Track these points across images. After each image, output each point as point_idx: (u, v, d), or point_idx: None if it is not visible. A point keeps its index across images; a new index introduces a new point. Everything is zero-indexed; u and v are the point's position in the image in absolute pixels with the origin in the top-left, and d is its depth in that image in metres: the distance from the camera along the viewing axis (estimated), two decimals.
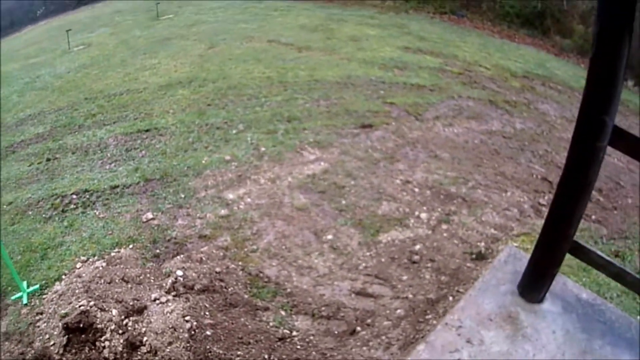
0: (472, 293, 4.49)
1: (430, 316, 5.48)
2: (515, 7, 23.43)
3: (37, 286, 6.40)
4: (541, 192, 8.48)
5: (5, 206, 8.52)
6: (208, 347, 5.17)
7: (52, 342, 5.45)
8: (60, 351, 5.34)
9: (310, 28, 18.89)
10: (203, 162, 8.80)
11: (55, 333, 5.53)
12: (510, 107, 12.05)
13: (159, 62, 15.43)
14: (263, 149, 9.12)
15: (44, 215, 7.96)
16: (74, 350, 5.34)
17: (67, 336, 5.40)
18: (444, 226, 7.21)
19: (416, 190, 8.04)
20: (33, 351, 5.47)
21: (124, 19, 25.89)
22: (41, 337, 5.58)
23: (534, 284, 4.32)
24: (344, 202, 7.64)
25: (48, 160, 9.81)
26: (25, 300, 6.22)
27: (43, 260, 6.93)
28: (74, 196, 8.28)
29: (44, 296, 6.23)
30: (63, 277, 6.46)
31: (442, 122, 10.64)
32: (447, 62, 15.00)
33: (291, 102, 11.17)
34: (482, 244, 6.87)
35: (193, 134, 9.87)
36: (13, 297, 6.37)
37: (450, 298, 5.70)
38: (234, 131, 9.84)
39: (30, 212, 8.14)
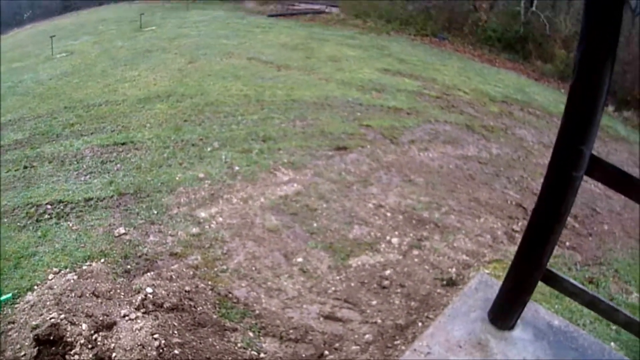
0: (441, 320, 4.53)
1: (399, 342, 5.74)
2: (497, 31, 23.88)
3: (10, 295, 6.49)
4: (515, 218, 8.78)
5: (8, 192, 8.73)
6: None
7: (22, 353, 5.56)
8: None
9: (290, 46, 19.18)
10: (177, 178, 9.00)
11: (26, 344, 5.64)
12: (487, 132, 12.35)
13: (139, 74, 15.58)
14: (237, 167, 9.35)
15: (18, 224, 8.07)
16: None
17: (37, 348, 5.53)
18: (415, 251, 7.49)
19: (388, 214, 8.32)
20: (9, 356, 5.57)
21: (107, 28, 25.93)
22: (12, 347, 5.69)
23: (505, 311, 4.34)
24: (315, 224, 7.90)
25: (25, 168, 9.91)
26: None
27: (16, 269, 7.04)
28: (49, 206, 8.41)
29: (16, 306, 6.34)
30: (35, 287, 6.59)
31: (417, 146, 10.91)
32: (426, 86, 15.32)
33: (267, 121, 11.42)
34: (453, 270, 7.15)
35: (168, 149, 10.07)
36: None
37: (420, 324, 5.98)
38: (209, 149, 10.06)
39: (5, 220, 8.23)
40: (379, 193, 8.93)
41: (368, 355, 5.65)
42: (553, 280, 4.06)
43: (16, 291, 6.59)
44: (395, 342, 5.74)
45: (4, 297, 6.47)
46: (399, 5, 27.78)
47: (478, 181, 9.90)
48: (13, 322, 6.09)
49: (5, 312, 6.29)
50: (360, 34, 23.33)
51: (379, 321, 6.16)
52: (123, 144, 10.43)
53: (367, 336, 5.95)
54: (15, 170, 9.86)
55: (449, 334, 4.34)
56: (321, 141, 10.64)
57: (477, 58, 22.24)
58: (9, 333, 5.92)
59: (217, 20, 25.94)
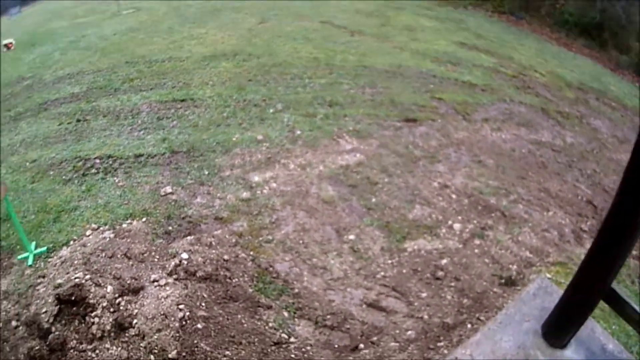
0: (491, 326, 4.04)
1: (442, 343, 5.01)
2: (574, 15, 22.31)
3: (45, 249, 6.26)
4: (584, 216, 7.77)
5: (28, 163, 8.46)
6: (196, 341, 4.86)
7: (44, 310, 5.27)
8: (50, 320, 5.16)
9: (365, 12, 18.36)
10: (234, 139, 8.48)
11: (49, 301, 5.33)
12: (562, 118, 11.29)
13: (207, 32, 15.19)
14: (298, 132, 8.73)
15: (64, 177, 7.83)
16: (63, 322, 5.15)
17: (58, 306, 5.21)
18: (477, 241, 6.63)
19: (453, 196, 7.49)
20: (28, 314, 5.32)
21: None
22: (37, 302, 5.43)
23: (561, 327, 3.84)
24: (374, 200, 7.17)
25: (78, 121, 9.71)
26: (30, 262, 6.09)
27: (55, 222, 6.78)
28: (97, 161, 8.13)
29: (49, 260, 6.08)
30: (71, 243, 6.30)
31: (490, 125, 10.00)
32: (502, 63, 14.26)
33: (335, 86, 10.72)
34: (514, 267, 6.26)
35: (229, 108, 9.57)
36: (19, 257, 6.26)
37: (469, 325, 5.21)
38: (271, 110, 9.49)
39: (51, 172, 8.03)
40: (446, 172, 8.08)
41: (406, 355, 4.94)
42: (615, 302, 3.54)
43: (52, 245, 6.32)
44: (439, 344, 5.02)
45: (38, 250, 6.25)
46: None
47: (550, 170, 8.90)
48: (43, 277, 5.82)
49: (37, 266, 6.04)
50: (437, 5, 22.10)
51: (426, 317, 5.40)
52: (182, 100, 10.03)
53: (409, 332, 5.21)
54: (68, 123, 9.67)
55: (497, 344, 3.90)
56: (390, 111, 9.87)
57: (554, 41, 20.70)
58: (37, 287, 5.67)
59: None
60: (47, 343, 4.98)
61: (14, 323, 5.32)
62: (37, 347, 4.95)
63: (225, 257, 5.86)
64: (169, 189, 7.23)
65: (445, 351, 4.80)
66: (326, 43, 13.73)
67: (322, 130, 8.82)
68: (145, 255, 5.88)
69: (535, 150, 9.42)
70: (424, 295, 5.70)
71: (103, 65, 12.68)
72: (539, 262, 6.42)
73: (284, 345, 4.97)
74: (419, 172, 7.94)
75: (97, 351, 4.91)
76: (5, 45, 22.43)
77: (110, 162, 8.03)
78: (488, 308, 5.46)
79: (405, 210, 7.02)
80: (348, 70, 11.70)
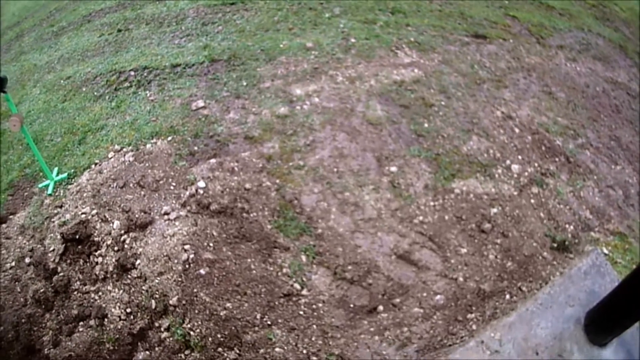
0: (530, 307, 3.64)
1: (472, 315, 4.25)
2: None
3: (65, 175, 6.01)
4: None
5: (62, 81, 8.24)
6: (196, 290, 4.41)
7: (52, 248, 5.08)
8: (57, 260, 4.97)
9: None
10: (280, 46, 7.74)
11: (58, 238, 5.12)
12: None
13: None
14: (353, 40, 7.83)
15: (95, 93, 7.52)
16: (68, 261, 4.95)
17: (64, 245, 5.01)
18: (535, 189, 5.62)
19: (516, 130, 6.44)
20: (42, 249, 5.15)
21: None
22: (50, 238, 5.22)
23: (607, 323, 3.39)
24: (426, 125, 6.24)
25: (119, 31, 9.30)
26: (50, 190, 5.87)
27: (80, 144, 6.54)
28: (132, 73, 7.71)
29: (69, 187, 5.83)
30: (92, 167, 6.01)
31: (565, 54, 8.69)
32: None
33: None
34: (571, 227, 5.28)
35: (281, 12, 8.78)
36: (40, 185, 6.07)
37: (507, 296, 4.39)
38: (327, 14, 8.61)
39: (84, 89, 7.75)
40: (512, 100, 6.98)
41: (428, 326, 4.26)
42: None
43: (73, 170, 6.06)
44: (469, 316, 4.27)
45: (59, 176, 6.02)
46: None
47: (623, 116, 7.57)
48: (60, 207, 5.60)
49: (57, 194, 5.82)
50: None
51: (461, 279, 4.61)
52: (232, 4, 9.30)
53: (437, 297, 4.47)
54: (109, 34, 9.31)
55: (532, 330, 3.52)
56: (458, 24, 8.72)
57: None
58: (53, 219, 5.44)
59: None
60: (52, 284, 4.81)
61: (27, 260, 5.18)
62: (42, 289, 4.81)
63: (247, 185, 5.28)
64: (201, 103, 6.68)
65: (474, 327, 4.08)
66: None
67: (379, 39, 7.88)
68: (161, 182, 5.43)
69: (610, 90, 8.11)
70: (463, 251, 4.88)
71: None
72: (598, 227, 5.42)
73: (293, 299, 4.40)
74: (481, 96, 6.91)
75: (100, 293, 4.67)
76: None
77: (145, 74, 7.58)
78: (533, 277, 4.60)
79: (460, 141, 6.07)
80: None
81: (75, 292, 4.73)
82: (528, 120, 6.64)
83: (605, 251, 4.95)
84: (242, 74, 7.16)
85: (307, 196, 5.21)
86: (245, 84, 6.94)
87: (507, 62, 7.82)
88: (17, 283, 5.02)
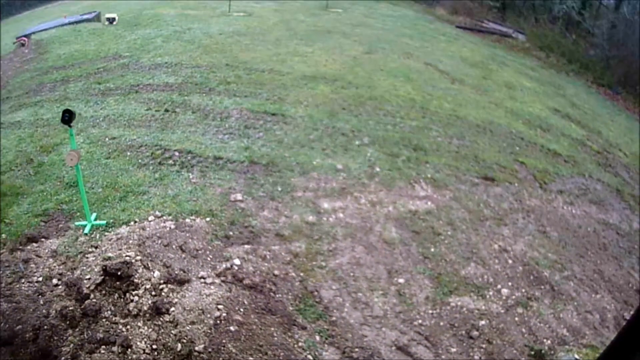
0: None
1: None
2: None
3: (104, 222, 7.03)
4: (630, 305, 7.92)
5: (107, 139, 9.43)
6: (225, 341, 5.40)
7: (88, 277, 5.99)
8: (92, 288, 5.85)
9: (470, 62, 18.99)
10: (314, 163, 9.09)
11: (95, 270, 6.06)
12: (634, 202, 11.35)
13: (313, 52, 16.13)
14: (378, 169, 9.25)
15: (140, 161, 8.70)
16: (103, 292, 5.83)
17: (103, 277, 5.91)
18: (520, 310, 6.97)
19: (510, 261, 7.82)
20: (70, 277, 6.05)
21: (293, 0, 27.29)
22: (83, 269, 6.15)
23: None
24: (433, 249, 7.59)
25: (166, 111, 10.66)
26: (87, 230, 6.88)
27: (121, 201, 7.59)
28: (177, 153, 8.95)
29: (107, 234, 6.83)
30: (131, 223, 7.04)
31: (564, 198, 10.25)
32: (590, 137, 14.37)
33: (425, 131, 11.25)
34: (548, 342, 6.58)
35: (316, 132, 10.25)
36: (77, 223, 7.07)
37: None
38: (357, 142, 10.09)
39: (128, 153, 8.93)
40: (510, 236, 8.43)
41: None
42: None
43: (112, 221, 7.10)
44: None
45: (98, 222, 7.05)
46: (581, 47, 27.61)
47: (609, 253, 9.09)
48: (95, 247, 6.58)
49: (93, 235, 6.82)
50: (540, 67, 22.51)
51: None
52: (273, 114, 10.81)
53: None
54: (156, 111, 10.64)
55: None
56: (471, 166, 10.28)
57: None
58: (87, 255, 6.42)
59: (404, 19, 26.41)
60: (82, 307, 5.64)
61: (54, 281, 6.05)
62: (71, 308, 5.60)
63: (276, 272, 6.42)
64: (239, 197, 7.90)
65: None
66: (425, 86, 14.36)
67: (401, 172, 9.32)
68: (199, 252, 6.55)
69: (600, 230, 9.67)
70: (453, 350, 6.08)
71: (203, 62, 13.75)
72: (573, 342, 6.69)
73: None
74: (483, 231, 8.30)
75: (129, 327, 5.52)
76: (108, 19, 24.41)
77: (189, 158, 8.83)
78: None
79: (460, 266, 7.42)
80: (441, 117, 12.25)
81: (104, 320, 5.56)
82: (521, 254, 8.04)
83: (577, 357, 6.06)
84: (278, 180, 8.46)
85: (325, 290, 6.37)
86: (280, 189, 8.20)
87: (509, 204, 9.27)
88: (40, 296, 5.85)
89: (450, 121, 12.16)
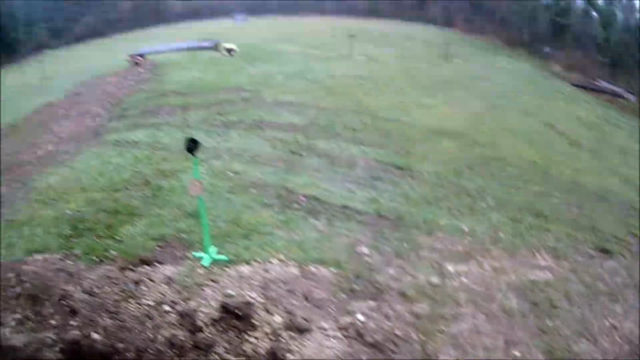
0: None
1: None
2: None
3: (226, 258, 7.21)
4: None
5: (230, 173, 9.79)
6: None
7: (205, 310, 6.16)
8: (207, 322, 6.01)
9: (585, 123, 18.92)
10: (440, 222, 9.05)
11: (213, 305, 6.23)
12: None
13: (436, 104, 16.40)
14: (501, 234, 9.11)
15: (265, 200, 8.94)
16: (219, 328, 5.96)
17: (221, 314, 6.07)
18: None
19: (618, 340, 7.41)
20: (184, 306, 6.24)
21: (413, 47, 28.17)
22: (200, 301, 6.33)
23: None
24: (549, 323, 7.31)
25: (292, 152, 11.00)
26: (205, 263, 7.07)
27: (244, 239, 7.78)
28: (303, 198, 9.14)
29: (227, 270, 7.01)
30: (253, 263, 7.20)
31: None
32: None
33: (546, 196, 11.09)
34: None
35: (443, 190, 10.27)
36: (196, 254, 7.28)
37: None
38: (482, 204, 10.02)
39: (253, 190, 9.23)
40: (620, 313, 7.97)
41: None
42: None
43: (233, 257, 7.28)
44: None
45: (219, 256, 7.23)
46: None
47: None
48: (214, 282, 6.75)
49: (213, 269, 7.00)
50: None
51: None
52: (400, 168, 10.92)
53: None
54: (281, 150, 10.99)
55: None
56: (589, 236, 9.92)
57: None
58: (204, 289, 6.60)
59: (521, 73, 26.86)
60: (194, 339, 5.78)
61: (166, 307, 6.25)
62: (181, 337, 5.76)
63: (397, 332, 6.32)
64: (365, 250, 7.93)
65: None
66: (545, 148, 14.36)
67: (523, 239, 9.12)
68: (323, 302, 6.58)
69: None
70: None
71: (327, 105, 14.20)
72: None
73: None
74: (597, 307, 7.91)
75: None
76: (227, 49, 25.41)
77: (316, 204, 8.99)
78: None
79: (572, 341, 7.06)
80: (561, 183, 12.10)
81: (216, 355, 5.65)
82: (629, 332, 7.59)
83: None
84: (405, 236, 8.45)
85: (444, 356, 6.23)
86: (406, 246, 8.19)
87: (622, 278, 8.84)
88: (149, 319, 6.04)
89: (570, 188, 12.01)
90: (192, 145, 6.48)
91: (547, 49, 39.85)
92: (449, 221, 9.15)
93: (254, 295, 6.37)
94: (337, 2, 57.69)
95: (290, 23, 48.99)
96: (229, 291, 6.47)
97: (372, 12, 54.60)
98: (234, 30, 43.09)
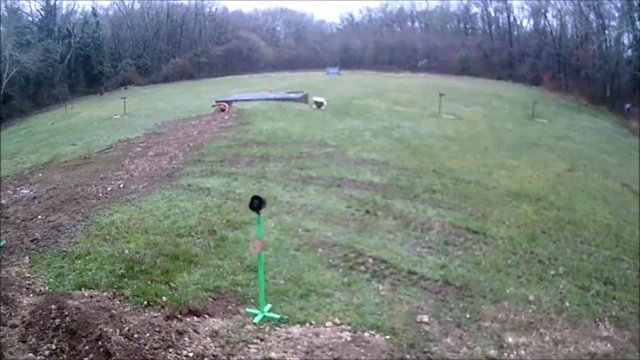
0: None
1: None
2: None
3: (278, 317, 7.05)
4: None
5: (300, 230, 9.75)
6: None
7: None
8: None
9: None
10: (507, 291, 8.62)
11: None
12: None
13: (518, 165, 16.30)
14: (567, 303, 8.60)
15: (330, 260, 8.81)
16: None
17: None
18: None
19: None
20: None
21: (500, 105, 29.32)
22: (240, 359, 6.19)
23: None
24: None
25: (367, 212, 10.86)
26: (257, 320, 6.94)
27: (301, 299, 7.65)
28: (370, 260, 8.94)
29: (277, 329, 6.84)
30: (306, 324, 7.02)
31: None
32: None
33: (616, 262, 10.56)
34: None
35: (515, 257, 9.87)
36: (248, 310, 7.19)
37: None
38: (552, 272, 9.57)
39: (320, 250, 9.13)
40: None
41: None
42: None
43: (286, 317, 7.13)
44: None
45: (271, 314, 7.08)
46: None
47: None
48: (261, 340, 6.59)
49: (262, 327, 6.87)
50: None
51: None
52: (475, 232, 10.62)
53: None
54: (356, 210, 10.89)
55: None
56: None
57: None
58: (249, 346, 6.47)
59: (603, 132, 27.20)
60: None
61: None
62: None
63: None
64: (425, 318, 7.58)
65: None
66: (621, 209, 13.96)
67: (588, 307, 8.59)
68: None
69: None
70: None
71: (410, 165, 14.13)
72: None
73: None
74: None
75: None
76: (316, 102, 25.78)
77: (382, 267, 8.78)
78: None
79: None
80: (632, 246, 11.58)
81: None
82: None
83: None
84: (468, 305, 8.04)
85: None
86: (468, 316, 7.79)
87: None
88: None
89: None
90: (257, 204, 6.48)
91: (627, 106, 41.18)
92: (516, 289, 8.74)
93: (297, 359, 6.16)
94: (430, 59, 58.31)
95: (382, 78, 49.50)
96: (272, 354, 6.26)
97: (464, 70, 54.96)
98: (325, 83, 43.92)
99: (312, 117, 22.03)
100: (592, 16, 56.99)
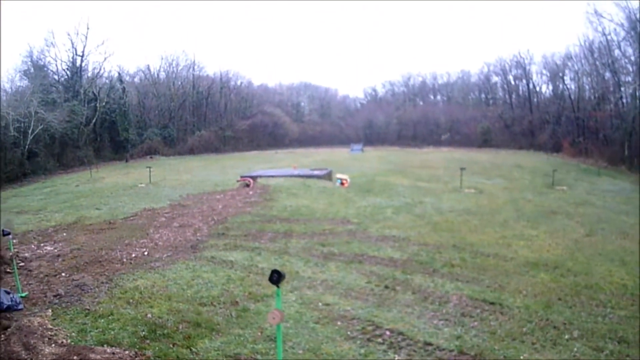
0: None
1: None
2: None
3: None
4: None
5: (320, 304, 10.09)
6: None
7: None
8: None
9: None
10: (521, 358, 8.78)
11: None
12: None
13: (537, 235, 16.52)
14: None
15: (348, 333, 9.12)
16: None
17: None
18: None
19: None
20: None
21: (521, 176, 29.92)
22: None
23: None
24: None
25: (386, 287, 11.24)
26: None
27: None
28: (388, 332, 9.25)
29: None
30: None
31: None
32: None
33: (632, 320, 10.56)
34: None
35: (530, 325, 10.05)
36: None
37: None
38: (566, 337, 9.70)
39: (339, 323, 9.45)
40: None
41: None
42: None
43: None
44: None
45: None
46: None
47: None
48: None
49: None
50: None
51: None
52: (491, 303, 10.87)
53: None
54: (376, 285, 11.28)
55: None
56: None
57: None
58: None
59: (621, 193, 27.50)
60: None
61: None
62: None
63: None
64: None
65: None
66: (637, 268, 13.88)
67: None
68: None
69: None
70: None
71: (430, 240, 14.56)
72: None
73: None
74: None
75: None
76: (340, 180, 26.32)
77: (399, 340, 9.05)
78: None
79: None
80: None
81: None
82: None
83: None
84: None
85: None
86: None
87: None
88: None
89: None
90: (276, 277, 6.84)
91: None
92: (530, 355, 8.92)
93: None
94: (452, 132, 59.11)
95: (405, 154, 50.15)
96: None
97: (485, 142, 55.55)
98: (348, 160, 44.64)
99: (335, 195, 22.51)
100: (607, 74, 58.06)
